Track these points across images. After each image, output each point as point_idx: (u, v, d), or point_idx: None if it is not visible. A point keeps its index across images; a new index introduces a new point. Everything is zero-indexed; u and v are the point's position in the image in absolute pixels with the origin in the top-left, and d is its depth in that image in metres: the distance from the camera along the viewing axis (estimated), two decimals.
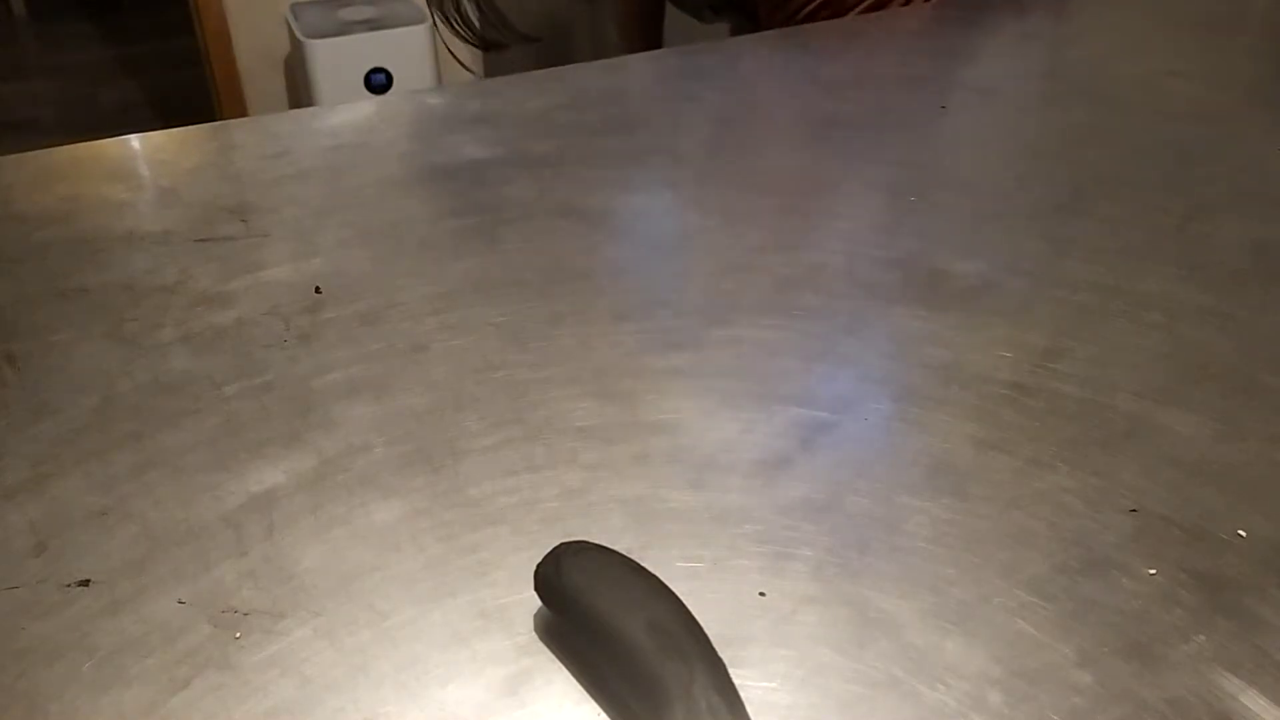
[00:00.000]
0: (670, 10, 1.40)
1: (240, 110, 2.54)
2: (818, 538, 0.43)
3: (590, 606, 0.37)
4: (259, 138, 0.78)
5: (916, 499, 0.45)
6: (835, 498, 0.45)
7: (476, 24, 0.61)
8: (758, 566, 0.42)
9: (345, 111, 0.80)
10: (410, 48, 2.37)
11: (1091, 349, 0.53)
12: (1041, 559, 0.42)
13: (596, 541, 0.40)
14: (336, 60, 2.31)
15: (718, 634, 0.37)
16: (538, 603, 0.40)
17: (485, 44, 0.72)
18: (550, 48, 2.32)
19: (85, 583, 0.42)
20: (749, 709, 0.34)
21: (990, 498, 0.45)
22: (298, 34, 2.31)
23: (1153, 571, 0.41)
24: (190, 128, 0.80)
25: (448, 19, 0.63)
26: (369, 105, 0.81)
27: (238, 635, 0.40)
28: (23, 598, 0.41)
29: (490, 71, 2.63)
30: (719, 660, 0.35)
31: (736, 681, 0.35)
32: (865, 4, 0.99)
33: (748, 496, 0.45)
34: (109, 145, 0.76)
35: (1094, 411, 0.49)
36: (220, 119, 0.82)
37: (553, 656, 0.39)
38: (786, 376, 0.52)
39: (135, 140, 0.77)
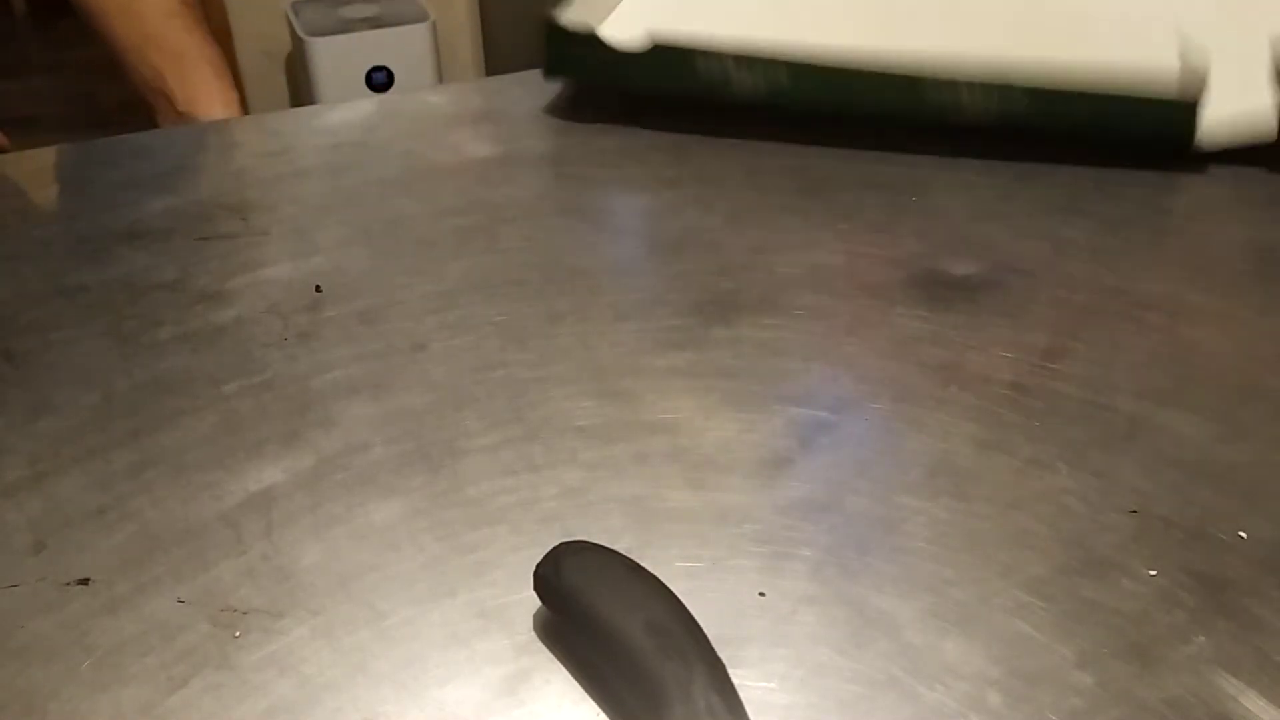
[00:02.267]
0: None
1: (241, 108, 2.53)
2: (817, 538, 0.43)
3: (589, 607, 0.37)
4: (259, 136, 0.78)
5: (916, 499, 0.45)
6: (835, 498, 0.45)
7: None
8: (757, 566, 0.42)
9: (346, 110, 0.80)
10: (411, 46, 2.36)
11: (1092, 349, 0.53)
12: (1041, 560, 0.42)
13: (596, 541, 0.40)
14: (337, 58, 2.31)
15: (717, 634, 0.37)
16: (537, 602, 0.40)
17: None
18: None
19: (84, 581, 0.42)
20: (748, 709, 0.34)
21: (990, 498, 0.45)
22: (298, 32, 2.31)
23: (1153, 573, 0.41)
24: (190, 125, 0.80)
25: None
26: (370, 103, 0.81)
27: (236, 634, 0.40)
28: (21, 596, 0.41)
29: (491, 70, 2.63)
30: (718, 660, 0.35)
31: (735, 681, 0.35)
32: None
33: (747, 496, 0.45)
34: (110, 143, 0.76)
35: (1094, 412, 0.49)
36: None
37: (552, 656, 0.39)
38: (786, 376, 0.52)
39: (136, 138, 0.77)
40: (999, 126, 0.66)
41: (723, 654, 0.36)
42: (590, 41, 0.69)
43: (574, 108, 0.78)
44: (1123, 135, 0.66)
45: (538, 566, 0.39)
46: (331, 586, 0.41)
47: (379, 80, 2.35)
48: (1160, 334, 0.54)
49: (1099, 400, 0.50)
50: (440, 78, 2.44)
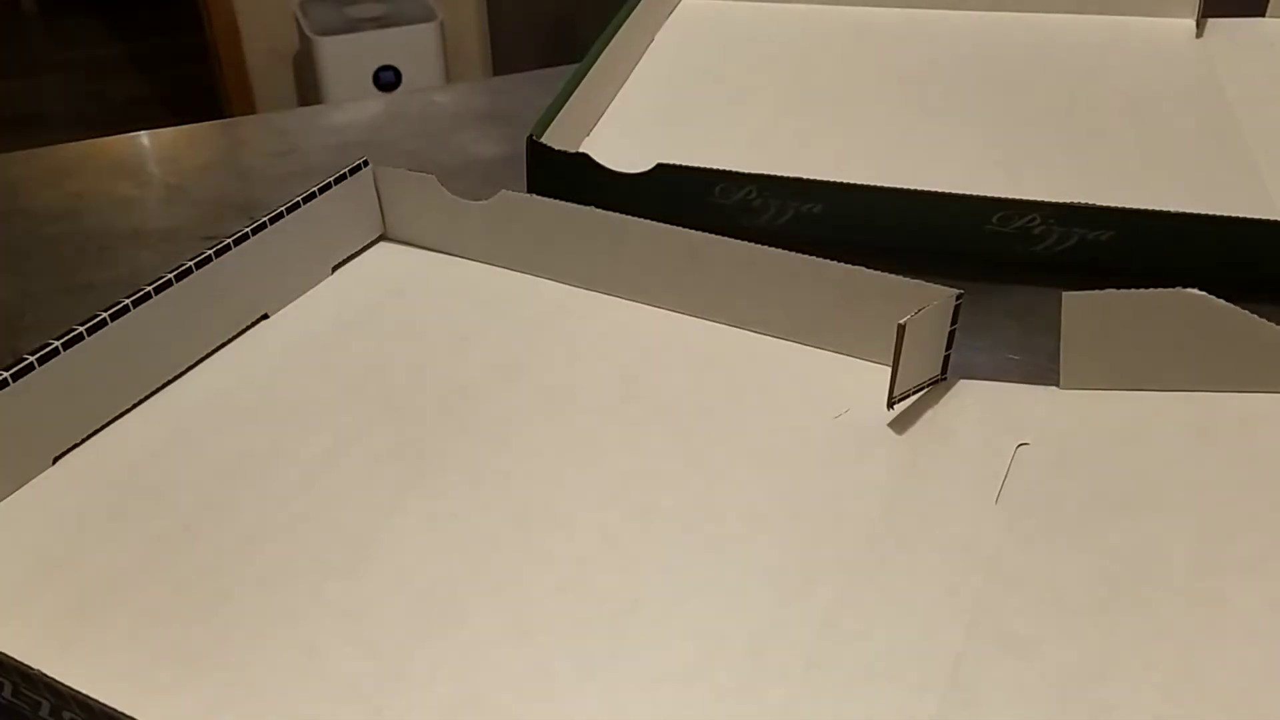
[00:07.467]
0: None
1: (249, 107, 2.54)
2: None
3: None
4: (267, 135, 0.78)
5: None
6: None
7: None
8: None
9: (353, 109, 0.80)
10: (419, 45, 2.37)
11: None
12: None
13: None
14: (345, 57, 2.31)
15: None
16: None
17: None
18: (558, 44, 2.32)
19: None
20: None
21: None
22: (306, 31, 2.31)
23: None
24: (198, 124, 0.80)
25: None
26: (377, 103, 0.81)
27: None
28: None
29: (499, 69, 2.63)
30: None
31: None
32: None
33: None
34: (117, 141, 0.76)
35: None
36: (229, 115, 0.82)
37: None
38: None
39: (143, 137, 0.77)
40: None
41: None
42: (580, 163, 0.61)
43: None
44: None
45: None
46: None
47: (386, 79, 2.35)
48: None
49: None
50: (448, 77, 2.45)
